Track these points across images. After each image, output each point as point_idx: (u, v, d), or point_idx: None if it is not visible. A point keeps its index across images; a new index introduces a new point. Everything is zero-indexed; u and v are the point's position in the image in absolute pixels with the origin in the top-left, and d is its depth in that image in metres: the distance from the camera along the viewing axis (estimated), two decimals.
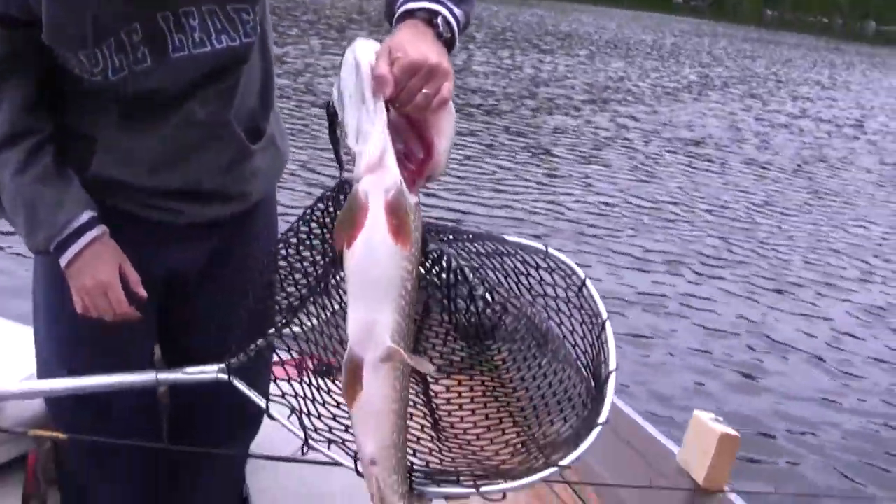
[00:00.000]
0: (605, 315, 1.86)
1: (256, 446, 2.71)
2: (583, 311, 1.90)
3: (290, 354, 1.94)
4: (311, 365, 1.95)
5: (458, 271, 1.83)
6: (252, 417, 2.42)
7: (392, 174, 1.50)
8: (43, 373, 2.26)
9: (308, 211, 1.94)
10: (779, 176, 13.20)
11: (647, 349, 6.40)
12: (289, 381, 1.93)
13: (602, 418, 1.74)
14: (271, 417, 1.88)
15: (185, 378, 2.04)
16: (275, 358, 2.00)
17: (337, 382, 1.84)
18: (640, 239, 9.06)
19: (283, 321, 1.95)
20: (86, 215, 2.00)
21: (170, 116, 2.00)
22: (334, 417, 1.86)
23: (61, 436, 2.13)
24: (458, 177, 10.25)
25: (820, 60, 38.11)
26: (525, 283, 1.97)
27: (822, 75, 30.82)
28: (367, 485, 1.62)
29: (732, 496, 2.70)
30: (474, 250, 1.96)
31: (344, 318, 1.68)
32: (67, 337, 2.21)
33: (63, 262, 2.00)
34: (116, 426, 2.20)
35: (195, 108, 2.00)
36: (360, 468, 1.66)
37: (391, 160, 1.51)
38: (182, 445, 2.41)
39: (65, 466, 2.45)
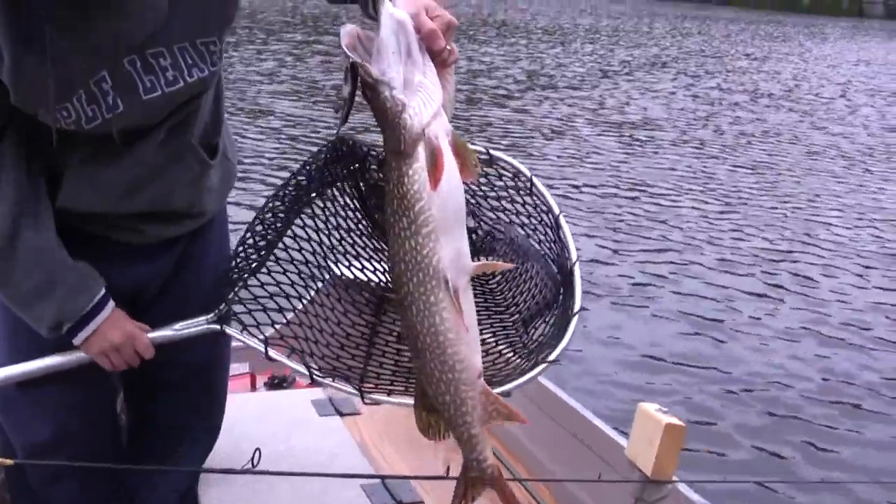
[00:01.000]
0: (556, 209, 2.08)
1: (210, 462, 2.72)
2: (538, 209, 2.13)
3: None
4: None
5: None
6: (211, 427, 2.60)
7: (446, 119, 1.63)
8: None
9: (304, 166, 2.14)
10: (719, 153, 13.31)
11: (590, 341, 6.44)
12: (288, 325, 2.08)
13: (576, 308, 2.00)
14: (270, 359, 1.99)
15: (177, 334, 2.15)
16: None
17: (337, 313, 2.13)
18: (577, 227, 9.09)
19: (259, 261, 2.11)
20: (98, 293, 2.08)
21: (137, 146, 2.04)
22: (336, 356, 2.06)
23: (8, 461, 2.11)
24: None
25: (757, 33, 38.49)
26: (484, 203, 2.21)
27: (759, 48, 31.13)
28: (466, 403, 1.69)
29: (681, 486, 2.73)
30: None
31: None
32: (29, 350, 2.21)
33: (79, 340, 2.09)
34: (77, 443, 2.27)
35: (161, 135, 2.06)
36: (364, 396, 1.91)
37: (442, 108, 1.62)
38: (138, 461, 2.47)
39: (21, 492, 2.44)
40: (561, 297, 2.08)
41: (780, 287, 7.97)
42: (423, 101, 1.59)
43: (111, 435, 2.46)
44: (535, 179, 2.15)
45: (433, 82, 1.61)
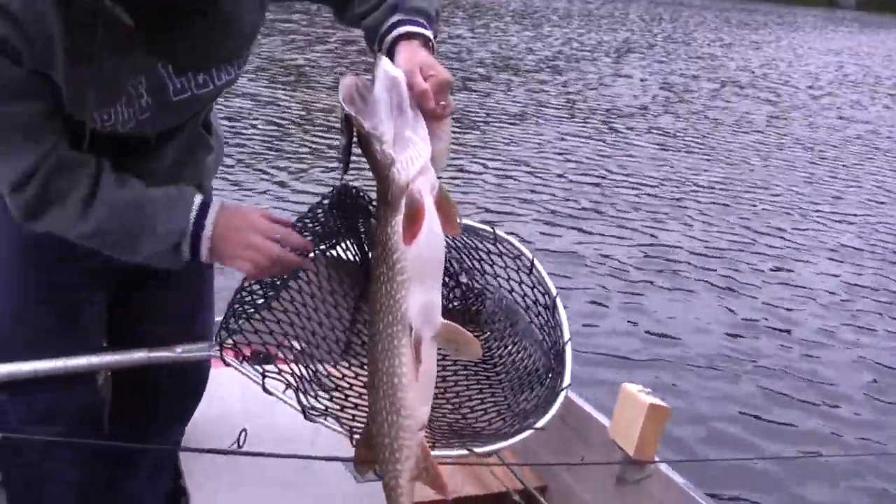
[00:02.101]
0: (554, 291, 2.18)
1: (194, 442, 2.73)
2: (535, 289, 2.23)
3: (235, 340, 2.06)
4: (249, 352, 2.08)
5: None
6: (193, 396, 2.65)
7: (434, 174, 1.70)
8: None
9: (310, 214, 2.13)
10: (687, 139, 13.38)
11: (573, 323, 6.42)
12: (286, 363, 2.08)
13: (566, 383, 2.09)
14: (268, 392, 1.97)
15: (177, 356, 2.16)
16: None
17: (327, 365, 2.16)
18: (559, 206, 9.16)
19: (265, 299, 2.10)
20: (196, 200, 1.97)
21: (161, 144, 2.08)
22: (330, 396, 2.09)
23: None
24: None
25: (729, 21, 38.66)
26: (479, 267, 2.30)
27: (729, 35, 31.27)
28: (402, 450, 1.73)
29: (662, 466, 2.76)
30: None
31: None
32: (17, 322, 2.23)
33: (205, 254, 1.96)
34: (62, 423, 2.25)
35: (183, 130, 2.11)
36: (354, 440, 1.86)
37: (429, 164, 1.70)
38: (123, 436, 2.49)
39: (9, 467, 2.45)
40: (551, 372, 2.17)
41: (761, 268, 8.07)
42: (411, 157, 1.67)
43: (99, 413, 2.48)
44: (535, 262, 2.27)
45: (422, 138, 1.69)
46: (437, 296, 1.70)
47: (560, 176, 10.46)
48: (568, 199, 9.52)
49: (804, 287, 7.75)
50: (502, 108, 14.23)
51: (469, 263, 2.34)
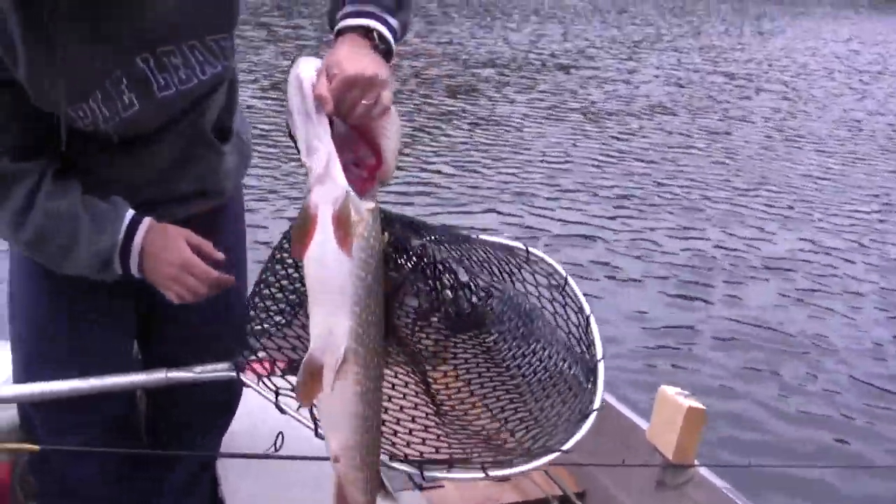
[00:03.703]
0: (588, 310, 2.03)
1: (229, 448, 2.73)
2: (567, 308, 2.07)
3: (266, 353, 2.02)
4: (280, 365, 2.04)
5: (442, 263, 1.95)
6: (225, 410, 2.63)
7: (338, 185, 1.58)
8: (20, 372, 2.28)
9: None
10: (704, 133, 13.26)
11: (610, 324, 6.38)
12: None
13: (596, 405, 1.95)
14: (282, 411, 1.92)
15: (195, 377, 2.09)
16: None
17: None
18: (598, 205, 9.07)
19: (285, 321, 2.05)
20: (127, 215, 1.99)
21: (154, 143, 2.05)
22: None
23: (34, 447, 2.11)
24: (420, 158, 10.24)
25: (744, 10, 38.42)
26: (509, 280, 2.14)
27: (745, 26, 31.08)
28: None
29: (702, 470, 2.75)
30: (459, 252, 2.05)
31: None
32: (44, 336, 2.25)
33: (134, 268, 1.98)
34: (98, 431, 2.27)
35: (177, 130, 2.06)
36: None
37: (337, 172, 1.59)
38: (159, 445, 2.52)
39: (44, 475, 2.47)
40: (583, 386, 2.04)
41: (807, 280, 7.86)
42: (312, 166, 1.60)
43: (131, 411, 2.48)
44: (569, 279, 2.13)
45: (325, 144, 1.60)
46: (339, 321, 1.58)
47: (578, 176, 10.36)
48: (595, 200, 9.43)
49: (845, 292, 7.56)
50: (513, 109, 14.06)
51: (498, 277, 2.20)
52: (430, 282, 1.97)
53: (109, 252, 1.96)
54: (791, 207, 9.81)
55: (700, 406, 2.76)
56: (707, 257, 8.03)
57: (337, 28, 1.78)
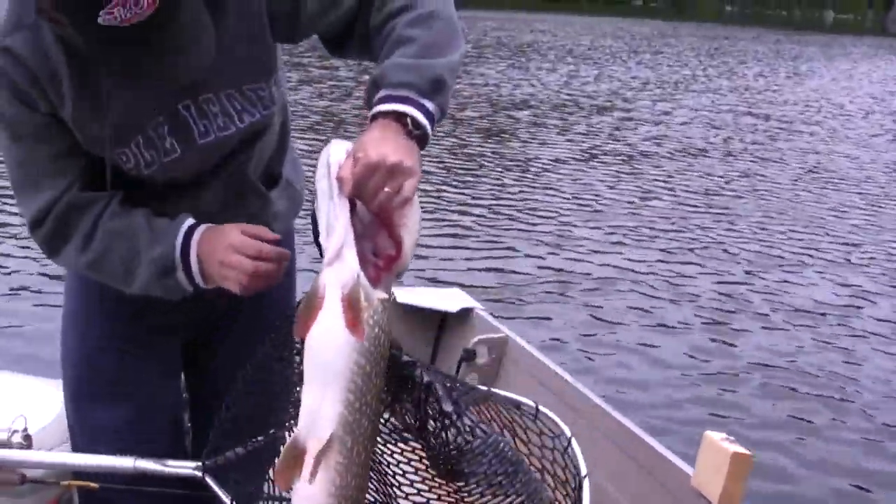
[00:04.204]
0: (584, 471, 1.82)
1: None
2: (566, 470, 1.85)
3: None
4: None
5: (429, 386, 1.80)
6: None
7: (350, 268, 1.56)
8: (71, 405, 2.33)
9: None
10: (738, 175, 13.23)
11: (652, 367, 6.41)
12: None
13: None
14: None
15: (163, 470, 2.04)
16: None
17: None
18: (637, 250, 9.07)
19: (271, 432, 1.94)
20: (187, 222, 1.98)
21: (196, 189, 2.08)
22: None
23: (93, 485, 2.13)
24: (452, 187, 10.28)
25: (781, 52, 38.38)
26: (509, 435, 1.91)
27: (781, 67, 31.03)
28: None
29: None
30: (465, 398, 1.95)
31: None
32: (95, 350, 2.28)
33: (195, 269, 1.95)
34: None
35: (219, 176, 2.09)
36: None
37: (350, 255, 1.57)
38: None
39: None
40: None
41: (850, 317, 7.82)
42: (328, 247, 1.58)
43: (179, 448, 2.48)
44: (573, 441, 1.86)
45: (342, 227, 1.58)
46: (329, 405, 1.54)
47: (613, 219, 10.36)
48: (630, 243, 9.41)
49: (885, 337, 7.45)
50: (547, 151, 14.10)
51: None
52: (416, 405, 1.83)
53: (170, 256, 1.95)
54: (826, 250, 9.75)
55: (746, 452, 2.73)
56: (743, 300, 7.98)
57: (371, 112, 1.76)
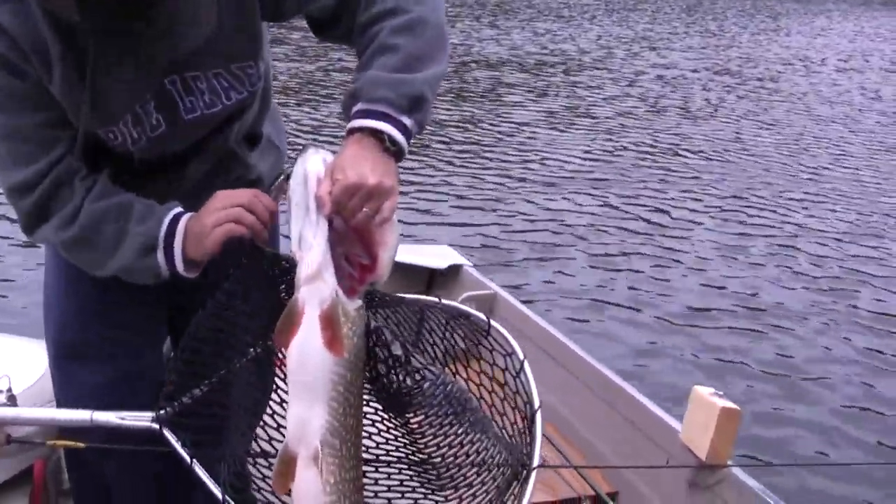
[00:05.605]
0: (537, 403, 1.83)
1: None
2: (517, 396, 1.87)
3: None
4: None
5: (376, 332, 1.86)
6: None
7: (328, 286, 1.60)
8: (54, 355, 2.32)
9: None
10: (715, 129, 13.24)
11: (641, 327, 6.45)
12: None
13: (534, 463, 1.78)
14: (195, 473, 1.78)
15: (119, 423, 2.00)
16: None
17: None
18: (621, 213, 9.04)
19: (220, 375, 1.91)
20: (174, 208, 1.95)
21: (181, 161, 2.07)
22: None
23: (81, 445, 2.11)
24: (440, 158, 10.24)
25: (761, 8, 38.22)
26: (459, 350, 2.01)
27: (764, 25, 30.92)
28: None
29: (736, 470, 2.74)
30: (414, 318, 1.99)
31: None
32: (77, 312, 2.27)
33: (178, 249, 1.92)
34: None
35: (203, 148, 2.08)
36: None
37: (328, 274, 1.61)
38: None
39: (81, 472, 2.48)
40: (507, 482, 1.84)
41: (833, 274, 7.88)
42: (306, 262, 1.61)
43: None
44: (525, 365, 1.87)
45: (318, 243, 1.61)
46: (316, 415, 1.60)
47: (583, 184, 10.24)
48: (626, 203, 9.41)
49: (877, 299, 7.51)
50: (519, 113, 13.88)
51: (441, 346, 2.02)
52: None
53: (153, 234, 1.92)
54: (805, 207, 9.81)
55: (734, 406, 2.75)
56: (732, 254, 8.05)
57: (349, 126, 1.76)
